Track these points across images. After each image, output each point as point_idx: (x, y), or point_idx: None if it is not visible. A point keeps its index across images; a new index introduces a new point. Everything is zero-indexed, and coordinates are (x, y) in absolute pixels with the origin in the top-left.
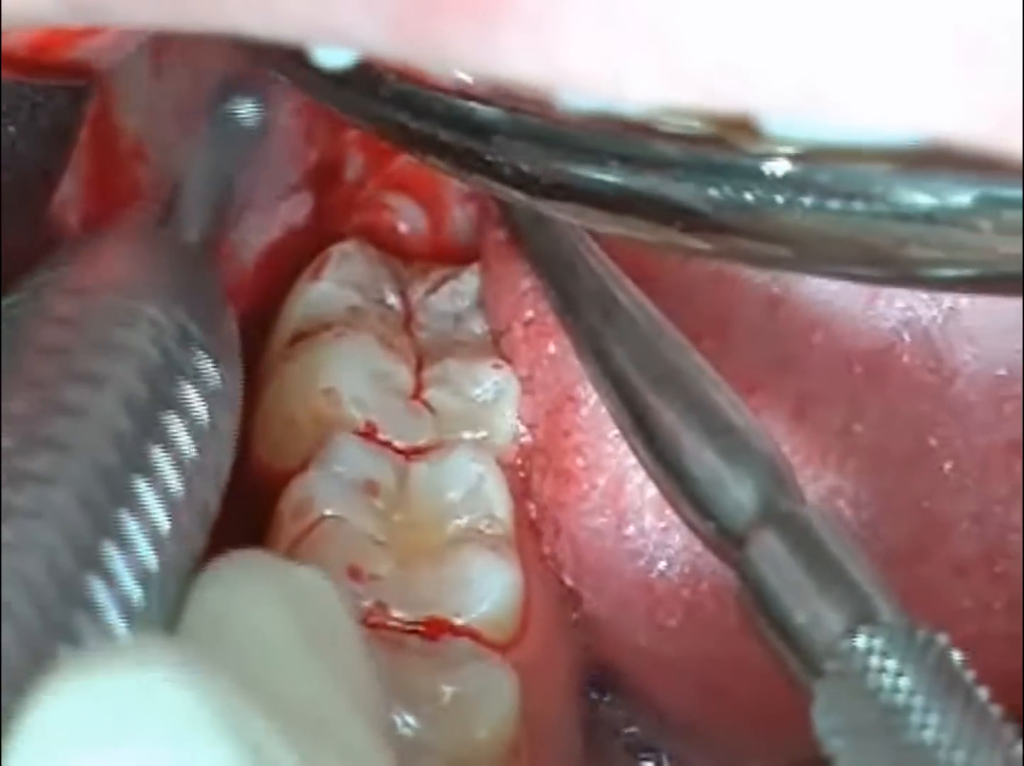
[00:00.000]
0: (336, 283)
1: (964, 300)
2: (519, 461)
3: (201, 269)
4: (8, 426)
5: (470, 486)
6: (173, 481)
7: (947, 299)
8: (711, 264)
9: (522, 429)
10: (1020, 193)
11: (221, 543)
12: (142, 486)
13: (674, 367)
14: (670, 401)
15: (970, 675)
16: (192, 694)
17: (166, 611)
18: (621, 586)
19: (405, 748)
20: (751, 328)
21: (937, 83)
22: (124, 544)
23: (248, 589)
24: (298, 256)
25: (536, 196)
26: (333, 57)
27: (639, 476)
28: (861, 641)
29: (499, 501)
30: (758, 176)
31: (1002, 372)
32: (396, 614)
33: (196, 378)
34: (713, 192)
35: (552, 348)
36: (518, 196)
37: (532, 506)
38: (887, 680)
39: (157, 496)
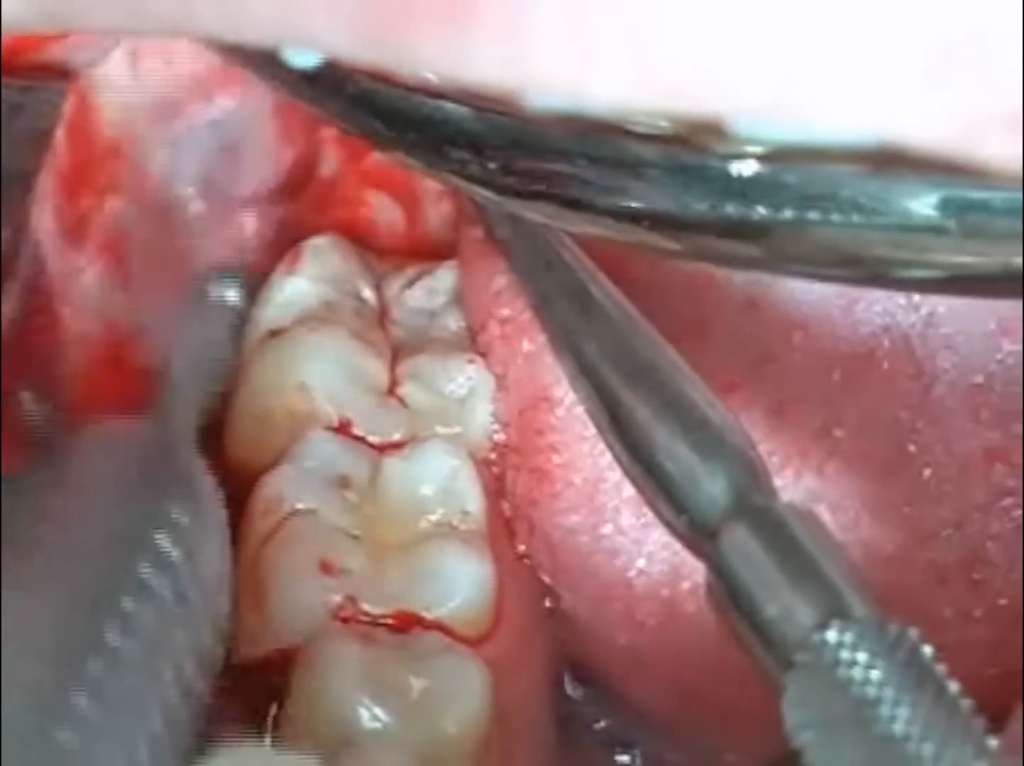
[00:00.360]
0: (311, 278)
1: (942, 307)
2: (493, 456)
3: (186, 459)
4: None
5: (443, 481)
6: (166, 675)
7: (925, 306)
8: (687, 264)
9: (496, 427)
10: (986, 195)
11: None
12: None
13: (648, 363)
14: (644, 396)
15: (941, 669)
16: None
17: None
18: (598, 584)
19: (374, 742)
20: (729, 328)
21: (905, 87)
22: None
23: None
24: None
25: (504, 195)
26: (301, 57)
27: (615, 475)
28: (832, 634)
29: (472, 496)
30: (727, 177)
31: (979, 380)
32: (366, 608)
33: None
34: (682, 192)
35: (527, 346)
36: (486, 194)
37: (506, 504)
38: (858, 673)
39: (147, 690)
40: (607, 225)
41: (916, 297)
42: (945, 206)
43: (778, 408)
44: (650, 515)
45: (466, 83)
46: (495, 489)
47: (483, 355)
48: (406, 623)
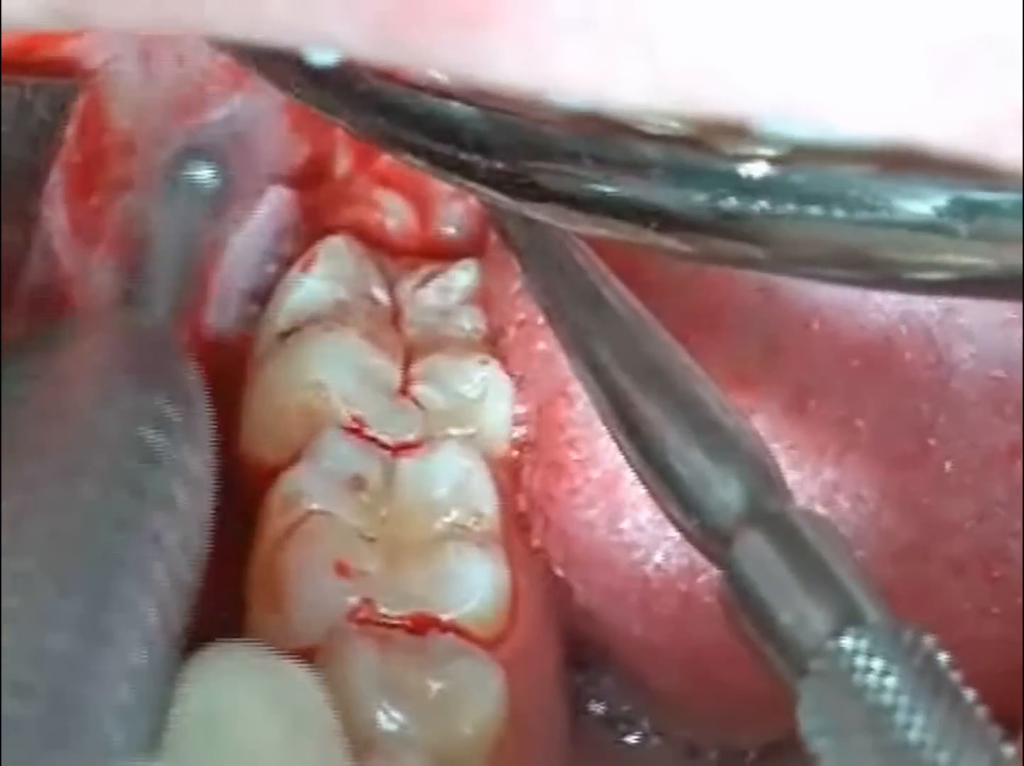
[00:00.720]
0: (324, 278)
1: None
2: (514, 454)
3: (171, 349)
4: None
5: (457, 482)
6: (158, 573)
7: None
8: None
9: (513, 425)
10: (995, 197)
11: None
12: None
13: (660, 365)
14: (656, 399)
15: (956, 676)
16: None
17: (154, 707)
18: (614, 577)
19: (391, 743)
20: (744, 316)
21: (919, 88)
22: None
23: (236, 687)
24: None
25: (511, 196)
26: (320, 54)
27: None
28: (847, 641)
29: (486, 498)
30: (735, 178)
31: (1000, 373)
32: (383, 610)
33: (174, 467)
34: (689, 193)
35: (543, 345)
36: (494, 195)
37: (521, 499)
38: (873, 680)
39: (141, 588)
40: (614, 226)
41: None
42: (954, 208)
43: (796, 397)
44: None
45: (484, 84)
46: (510, 487)
47: (504, 356)
48: (422, 625)
